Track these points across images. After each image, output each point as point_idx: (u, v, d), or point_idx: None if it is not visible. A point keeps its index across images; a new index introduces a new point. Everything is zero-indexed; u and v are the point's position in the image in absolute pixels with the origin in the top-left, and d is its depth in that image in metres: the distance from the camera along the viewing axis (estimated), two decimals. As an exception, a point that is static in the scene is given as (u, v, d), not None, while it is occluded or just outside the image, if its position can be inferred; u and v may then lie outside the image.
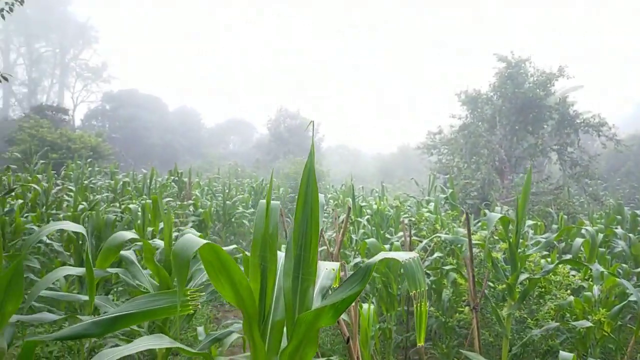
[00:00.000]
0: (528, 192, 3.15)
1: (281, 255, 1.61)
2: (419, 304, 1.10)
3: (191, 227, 8.03)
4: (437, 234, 4.18)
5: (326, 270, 1.77)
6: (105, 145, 20.19)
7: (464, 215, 6.27)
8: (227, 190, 12.59)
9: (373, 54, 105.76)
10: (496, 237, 4.65)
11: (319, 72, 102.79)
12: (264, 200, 1.57)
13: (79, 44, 54.14)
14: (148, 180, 10.54)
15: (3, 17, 4.76)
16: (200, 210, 9.18)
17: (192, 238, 1.31)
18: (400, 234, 6.03)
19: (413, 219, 5.54)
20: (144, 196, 9.32)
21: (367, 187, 17.62)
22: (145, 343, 1.24)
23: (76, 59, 54.51)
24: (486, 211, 7.94)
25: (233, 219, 11.84)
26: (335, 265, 1.87)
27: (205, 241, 1.28)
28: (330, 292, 1.88)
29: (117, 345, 3.91)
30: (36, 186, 7.07)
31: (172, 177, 11.91)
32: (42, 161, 11.18)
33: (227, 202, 11.83)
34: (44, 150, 13.15)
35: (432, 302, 5.62)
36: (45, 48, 52.73)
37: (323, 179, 20.21)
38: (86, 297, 2.66)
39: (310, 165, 1.43)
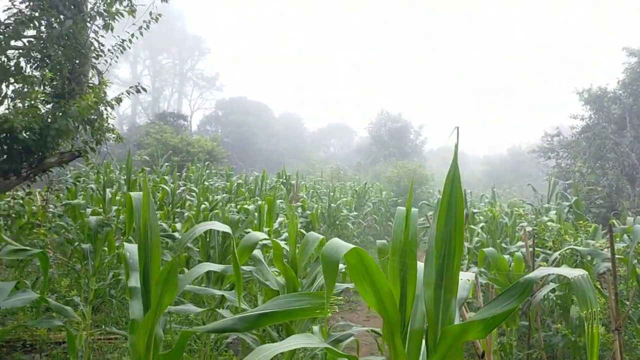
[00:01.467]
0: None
1: (420, 263, 1.58)
2: (590, 326, 1.01)
3: (300, 228, 8.30)
4: (570, 246, 3.84)
5: (461, 280, 1.71)
6: (220, 149, 21.66)
7: (593, 226, 5.71)
8: (331, 193, 12.83)
9: (477, 48, 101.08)
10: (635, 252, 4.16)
11: (420, 72, 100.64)
12: (402, 208, 1.56)
13: (195, 55, 58.88)
14: (259, 182, 11.09)
15: (141, 33, 5.27)
16: (308, 212, 9.45)
17: (339, 242, 1.34)
18: (520, 243, 5.66)
19: (535, 228, 5.17)
20: (257, 197, 9.83)
21: (475, 193, 16.87)
22: (297, 342, 1.29)
23: (193, 69, 59.35)
24: (615, 221, 7.15)
25: (337, 222, 12.02)
26: (471, 275, 1.80)
27: (351, 246, 1.30)
28: (466, 303, 1.82)
29: (238, 339, 4.13)
30: (164, 186, 7.79)
31: (281, 180, 12.40)
32: (166, 164, 12.31)
33: (332, 204, 12.05)
34: (168, 153, 14.47)
35: (554, 318, 5.19)
36: (166, 60, 58.15)
37: (427, 183, 19.72)
38: (220, 292, 2.86)
39: (455, 172, 1.39)
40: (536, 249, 4.99)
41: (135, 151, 19.97)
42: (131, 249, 2.04)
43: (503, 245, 5.98)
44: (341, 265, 2.92)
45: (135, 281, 1.90)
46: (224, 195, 9.36)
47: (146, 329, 1.79)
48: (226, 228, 1.80)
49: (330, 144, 56.80)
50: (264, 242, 3.65)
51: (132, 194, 1.86)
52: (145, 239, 1.81)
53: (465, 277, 1.75)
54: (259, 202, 7.38)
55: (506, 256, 4.88)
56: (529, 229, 5.15)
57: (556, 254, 3.83)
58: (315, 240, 2.78)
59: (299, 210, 9.74)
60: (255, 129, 42.85)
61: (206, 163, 14.58)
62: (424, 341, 1.53)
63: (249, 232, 6.37)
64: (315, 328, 3.66)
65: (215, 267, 2.26)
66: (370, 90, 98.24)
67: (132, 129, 39.39)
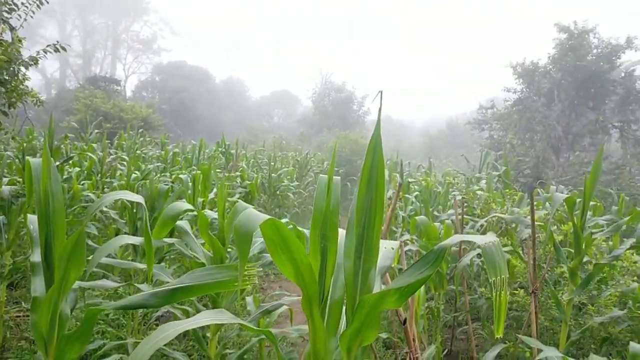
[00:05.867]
0: (599, 172, 2.93)
1: (342, 233, 1.54)
2: (498, 293, 1.01)
3: (238, 198, 8.14)
4: (495, 213, 4.00)
5: (385, 249, 1.69)
6: (155, 116, 20.72)
7: (519, 194, 6.01)
8: (272, 163, 12.68)
9: (418, 16, 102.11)
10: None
11: (364, 41, 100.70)
12: (325, 176, 1.50)
13: (130, 16, 55.39)
14: (197, 152, 10.74)
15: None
16: (247, 182, 9.28)
17: (254, 213, 1.26)
18: (450, 211, 5.85)
19: (465, 197, 5.35)
20: (193, 167, 9.52)
21: (413, 163, 17.31)
22: (207, 317, 1.22)
23: (127, 31, 55.93)
24: (540, 190, 7.59)
25: (278, 192, 11.93)
26: (395, 244, 1.79)
27: (267, 216, 1.23)
28: (389, 272, 1.81)
29: (168, 312, 4.02)
30: (92, 155, 7.34)
31: (220, 149, 12.08)
32: (96, 131, 11.60)
33: (273, 174, 11.92)
34: (98, 120, 13.64)
35: (480, 281, 5.47)
36: (98, 20, 54.28)
37: (368, 153, 20.00)
38: (142, 265, 2.72)
39: (377, 139, 1.34)
40: (465, 216, 5.18)
41: (64, 117, 18.66)
42: (35, 221, 1.86)
43: (435, 213, 6.17)
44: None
45: (37, 256, 1.74)
46: (158, 164, 8.98)
47: (49, 307, 1.65)
48: (138, 198, 1.67)
49: (274, 113, 56.04)
50: (191, 213, 3.52)
51: (31, 160, 1.68)
52: (46, 209, 1.65)
53: (390, 246, 1.73)
54: (195, 172, 7.13)
55: (437, 224, 5.04)
56: (459, 197, 5.33)
57: (482, 221, 3.98)
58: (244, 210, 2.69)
59: (238, 180, 9.55)
60: (195, 95, 41.36)
61: (140, 131, 13.90)
62: (344, 313, 1.51)
63: (182, 202, 6.13)
64: (249, 299, 3.61)
65: (133, 239, 2.13)
66: (314, 57, 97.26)
67: (61, 93, 36.79)
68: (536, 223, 3.88)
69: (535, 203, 6.38)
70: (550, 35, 15.75)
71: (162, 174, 8.30)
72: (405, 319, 1.86)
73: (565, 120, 14.63)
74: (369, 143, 1.35)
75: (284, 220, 2.75)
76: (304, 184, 15.01)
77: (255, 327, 1.26)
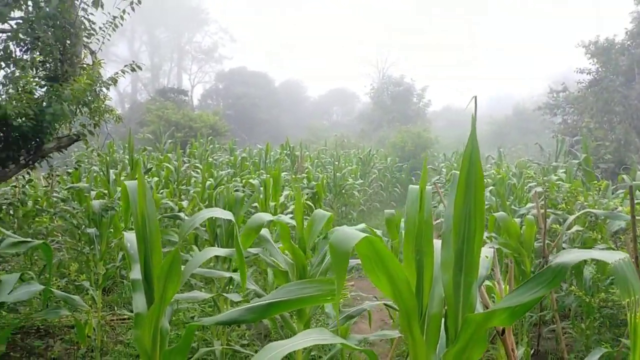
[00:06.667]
0: None
1: (437, 244, 1.48)
2: (633, 315, 0.91)
3: (305, 199, 8.22)
4: (585, 209, 3.73)
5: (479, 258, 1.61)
6: (222, 122, 21.42)
7: (604, 183, 5.59)
8: (336, 162, 12.70)
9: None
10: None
11: (420, 29, 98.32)
12: (415, 187, 1.45)
13: (192, 27, 57.73)
14: (263, 155, 10.97)
15: (133, 9, 5.08)
16: (313, 183, 9.35)
17: (349, 231, 1.24)
18: (529, 204, 5.55)
19: (546, 189, 5.05)
20: (262, 171, 9.73)
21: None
22: (309, 338, 1.21)
23: (190, 42, 58.38)
24: (624, 176, 7.02)
25: (343, 190, 11.94)
26: (490, 252, 1.71)
27: (363, 234, 1.20)
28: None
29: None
30: (168, 165, 7.70)
31: (285, 151, 12.27)
32: (170, 140, 12.19)
33: (337, 174, 11.94)
34: (171, 130, 14.31)
35: (566, 277, 5.14)
36: (163, 34, 57.08)
37: (431, 147, 19.50)
38: (228, 274, 2.81)
39: (473, 147, 1.27)
40: (547, 210, 4.88)
41: (138, 129, 19.78)
42: (131, 239, 1.95)
43: (512, 207, 5.88)
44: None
45: (136, 273, 1.83)
46: (229, 170, 9.26)
47: (151, 323, 1.73)
48: (228, 215, 1.70)
49: (332, 111, 56.20)
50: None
51: (127, 183, 1.76)
52: (144, 231, 1.72)
53: (484, 254, 1.65)
54: (264, 177, 7.29)
55: (516, 219, 4.79)
56: (538, 189, 5.03)
57: (571, 218, 3.71)
58: (323, 218, 2.70)
59: (305, 181, 9.65)
60: (256, 99, 42.38)
61: (209, 138, 14.44)
62: (442, 326, 1.46)
63: (255, 206, 6.24)
64: (328, 305, 3.62)
65: (221, 251, 2.18)
66: (371, 53, 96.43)
67: (134, 106, 39.06)
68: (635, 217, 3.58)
69: (622, 191, 5.90)
70: (627, 8, 14.54)
71: (233, 179, 8.55)
72: (503, 330, 1.76)
73: (649, 98, 13.45)
74: (465, 151, 1.29)
75: (359, 227, 2.72)
76: (367, 181, 14.92)
77: (359, 347, 1.24)
